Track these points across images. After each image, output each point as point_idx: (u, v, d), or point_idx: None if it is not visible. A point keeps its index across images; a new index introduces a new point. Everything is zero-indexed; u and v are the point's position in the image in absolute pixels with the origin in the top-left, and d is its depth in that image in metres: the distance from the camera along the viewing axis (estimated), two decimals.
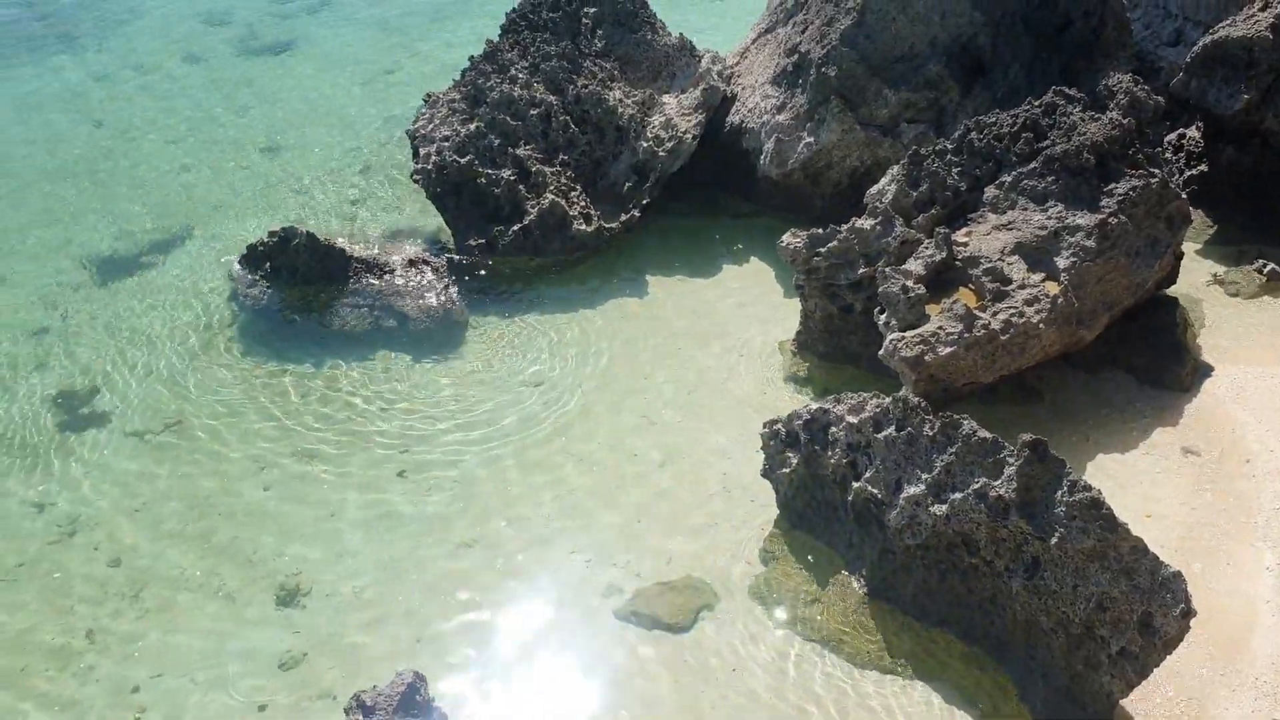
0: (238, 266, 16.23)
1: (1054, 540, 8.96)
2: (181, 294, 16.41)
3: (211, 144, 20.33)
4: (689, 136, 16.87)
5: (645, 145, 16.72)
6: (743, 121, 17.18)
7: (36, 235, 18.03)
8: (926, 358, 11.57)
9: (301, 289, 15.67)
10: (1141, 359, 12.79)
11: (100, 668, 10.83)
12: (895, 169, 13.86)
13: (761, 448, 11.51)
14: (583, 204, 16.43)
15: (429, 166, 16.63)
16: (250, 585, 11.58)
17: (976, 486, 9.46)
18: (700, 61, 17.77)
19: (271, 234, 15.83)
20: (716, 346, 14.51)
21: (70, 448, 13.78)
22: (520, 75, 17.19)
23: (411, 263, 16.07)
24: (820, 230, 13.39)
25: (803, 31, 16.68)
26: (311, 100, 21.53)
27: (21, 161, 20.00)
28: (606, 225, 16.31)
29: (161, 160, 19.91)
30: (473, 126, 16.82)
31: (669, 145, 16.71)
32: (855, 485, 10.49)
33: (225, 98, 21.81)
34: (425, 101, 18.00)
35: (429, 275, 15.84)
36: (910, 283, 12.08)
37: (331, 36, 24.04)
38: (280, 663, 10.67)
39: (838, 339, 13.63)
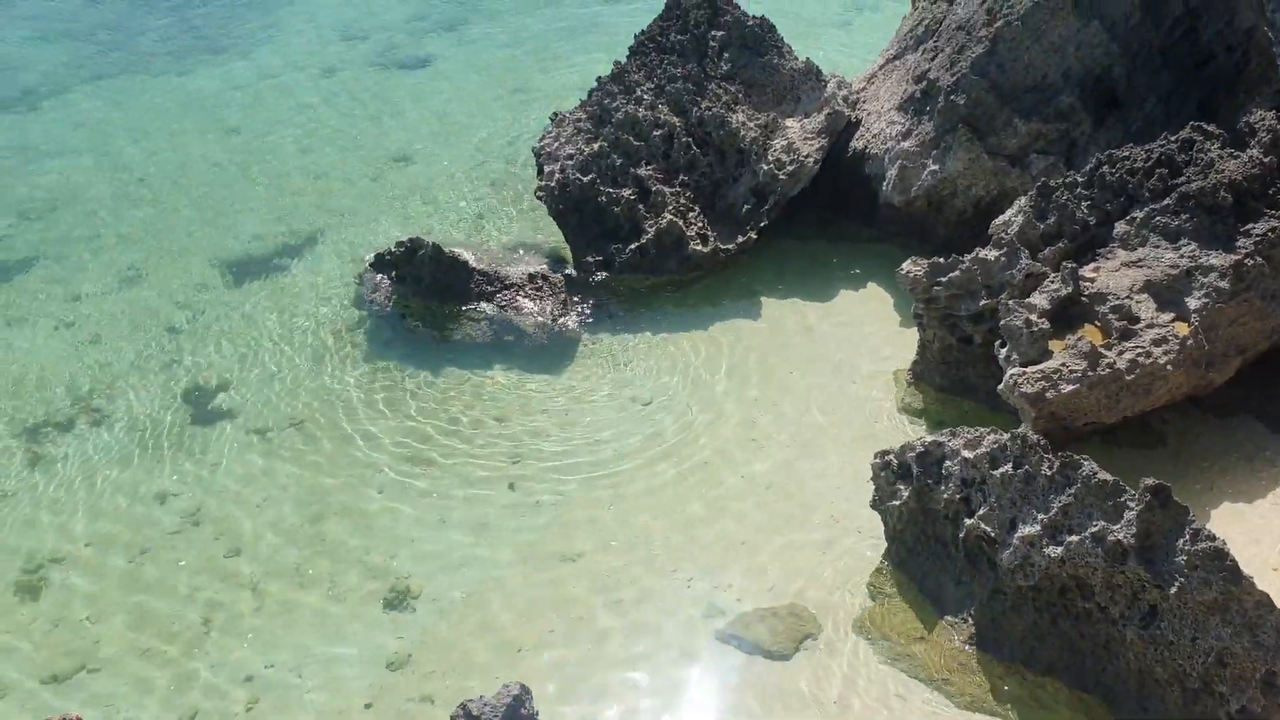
0: (365, 273, 16.71)
1: (1173, 590, 8.64)
2: (308, 298, 16.95)
3: (345, 154, 20.99)
4: (810, 161, 16.80)
5: (766, 168, 16.71)
6: (866, 147, 17.04)
7: (173, 236, 18.83)
8: (1048, 394, 11.29)
9: (424, 298, 16.05)
10: (1274, 405, 12.26)
11: (215, 655, 11.23)
12: (1022, 200, 13.58)
13: (871, 478, 11.36)
14: (700, 224, 16.48)
15: (552, 184, 16.89)
16: (361, 585, 11.88)
17: (1094, 530, 9.19)
18: (826, 86, 17.69)
19: (399, 244, 16.26)
20: (830, 373, 14.38)
21: (197, 442, 14.34)
22: (645, 96, 17.35)
23: (531, 278, 16.32)
24: (942, 259, 13.19)
25: (932, 59, 16.49)
26: (443, 116, 22.08)
27: (162, 165, 20.93)
28: (723, 246, 16.34)
29: (296, 168, 20.63)
30: (596, 146, 17.04)
31: (790, 169, 16.67)
32: (968, 522, 10.28)
33: (360, 110, 22.50)
34: (552, 120, 18.30)
35: (547, 291, 16.07)
36: (1034, 317, 11.81)
37: (465, 55, 24.64)
38: (388, 663, 10.92)
39: (955, 371, 13.39)
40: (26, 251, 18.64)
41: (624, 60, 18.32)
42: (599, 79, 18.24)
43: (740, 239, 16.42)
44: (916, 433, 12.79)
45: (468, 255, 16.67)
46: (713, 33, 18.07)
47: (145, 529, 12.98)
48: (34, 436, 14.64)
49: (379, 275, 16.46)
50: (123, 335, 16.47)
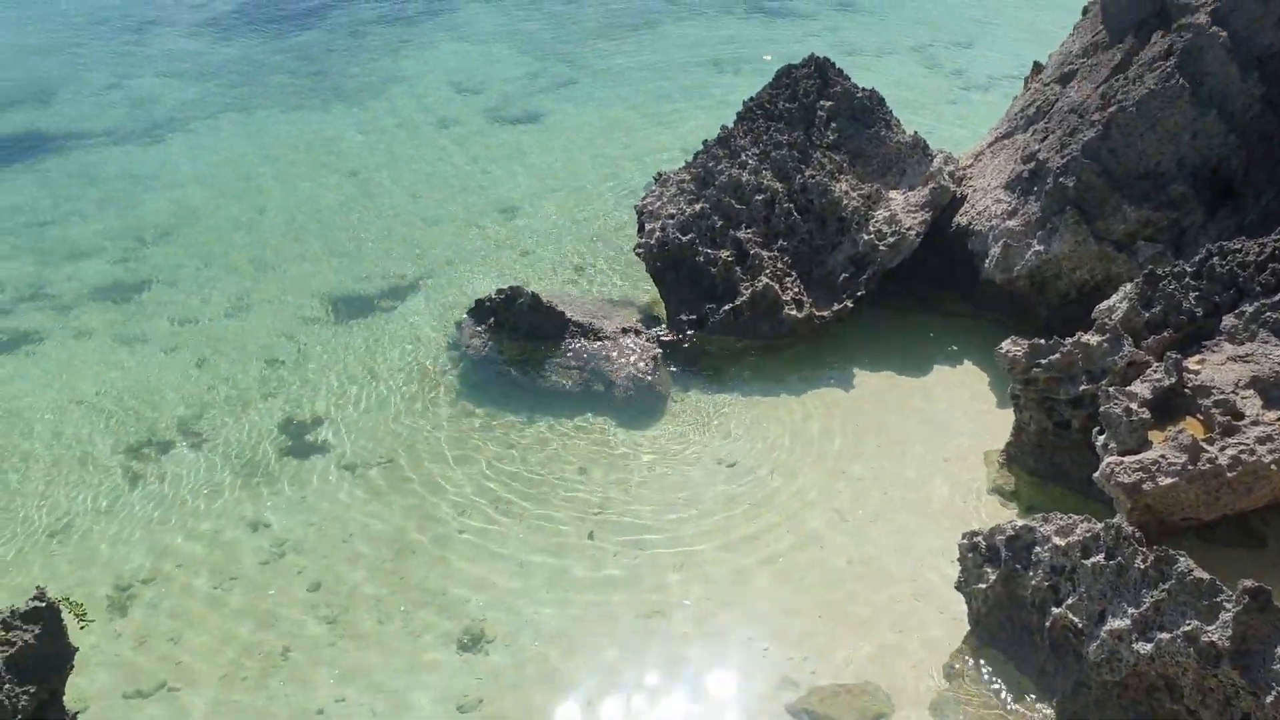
0: (464, 318, 17.04)
1: (1269, 698, 8.29)
2: (408, 339, 17.32)
3: (453, 201, 21.52)
4: (912, 233, 16.75)
5: (866, 238, 16.69)
6: (970, 223, 16.93)
7: (284, 271, 19.44)
8: (1145, 486, 11.00)
9: (520, 345, 16.29)
10: None
11: (290, 684, 11.39)
12: (1128, 286, 13.34)
13: (958, 559, 11.15)
14: (796, 290, 16.49)
15: (652, 241, 17.09)
16: (437, 625, 11.98)
17: (1187, 629, 8.88)
18: (932, 160, 17.67)
19: (499, 291, 16.57)
20: (920, 448, 14.20)
21: (290, 473, 14.67)
22: (750, 161, 17.51)
23: (625, 331, 16.47)
24: (1043, 341, 12.99)
25: (1042, 139, 16.37)
26: (549, 170, 22.55)
27: (279, 200, 21.68)
28: (818, 313, 16.31)
29: (407, 212, 21.19)
30: (698, 207, 17.21)
31: (891, 240, 16.63)
32: (1055, 611, 10.02)
33: (471, 160, 23.08)
34: (655, 180, 18.56)
35: (640, 345, 16.20)
36: (1134, 405, 11.55)
37: (575, 112, 25.18)
38: (459, 705, 10.97)
39: (1050, 455, 13.12)
40: (143, 274, 19.40)
41: (731, 125, 18.54)
42: (705, 142, 18.47)
43: (836, 306, 16.38)
44: (1007, 516, 12.54)
45: (564, 306, 16.90)
46: (821, 102, 18.20)
47: (234, 555, 13.27)
48: (135, 455, 15.12)
49: (477, 321, 16.76)
50: (227, 362, 17.00)
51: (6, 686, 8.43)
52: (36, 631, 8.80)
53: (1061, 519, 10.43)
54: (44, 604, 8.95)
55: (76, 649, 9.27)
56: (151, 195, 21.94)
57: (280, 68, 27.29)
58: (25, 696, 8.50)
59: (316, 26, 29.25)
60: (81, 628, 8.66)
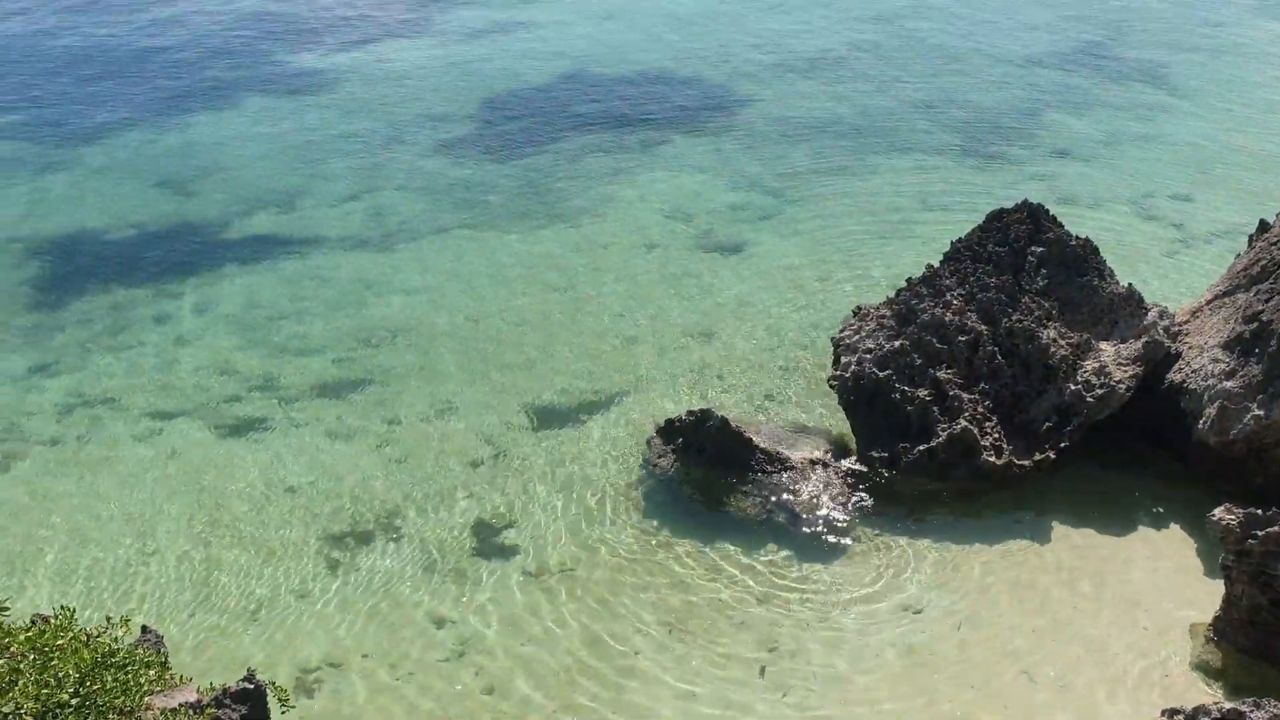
0: (653, 436, 17.32)
1: None
2: (598, 453, 17.70)
3: (653, 323, 22.08)
4: (1122, 387, 16.14)
5: (1073, 388, 16.18)
6: (1184, 381, 16.20)
7: (490, 378, 20.28)
8: None
9: (706, 469, 16.41)
10: None
11: None
12: None
13: None
14: (996, 436, 16.08)
15: (847, 375, 17.05)
16: None
17: None
18: (1146, 314, 17.08)
19: (689, 413, 16.81)
20: (1117, 613, 13.44)
21: (476, 574, 15.11)
22: (955, 301, 17.36)
23: (813, 463, 16.38)
24: (1260, 511, 12.22)
25: (1267, 300, 15.63)
26: (748, 298, 22.90)
27: (492, 311, 22.73)
28: (1017, 461, 15.82)
29: (610, 330, 21.87)
30: (897, 343, 17.11)
31: (1099, 392, 16.07)
32: None
33: (673, 284, 23.70)
34: (854, 313, 18.59)
35: (827, 479, 16.06)
36: None
37: (778, 243, 25.57)
38: None
39: (1263, 634, 12.19)
40: (361, 374, 20.60)
41: (937, 264, 18.46)
42: (909, 279, 18.44)
43: (1037, 456, 15.86)
44: (1212, 696, 11.69)
45: (753, 433, 16.98)
46: (1032, 248, 17.94)
47: (418, 650, 13.69)
48: (337, 544, 15.90)
49: (666, 440, 17.01)
50: (429, 460, 17.76)
51: None
52: (244, 711, 9.30)
53: (1274, 706, 9.65)
54: (252, 685, 9.45)
55: None
56: (378, 300, 23.40)
57: (505, 189, 28.88)
58: None
59: (541, 153, 30.90)
60: (283, 712, 9.05)
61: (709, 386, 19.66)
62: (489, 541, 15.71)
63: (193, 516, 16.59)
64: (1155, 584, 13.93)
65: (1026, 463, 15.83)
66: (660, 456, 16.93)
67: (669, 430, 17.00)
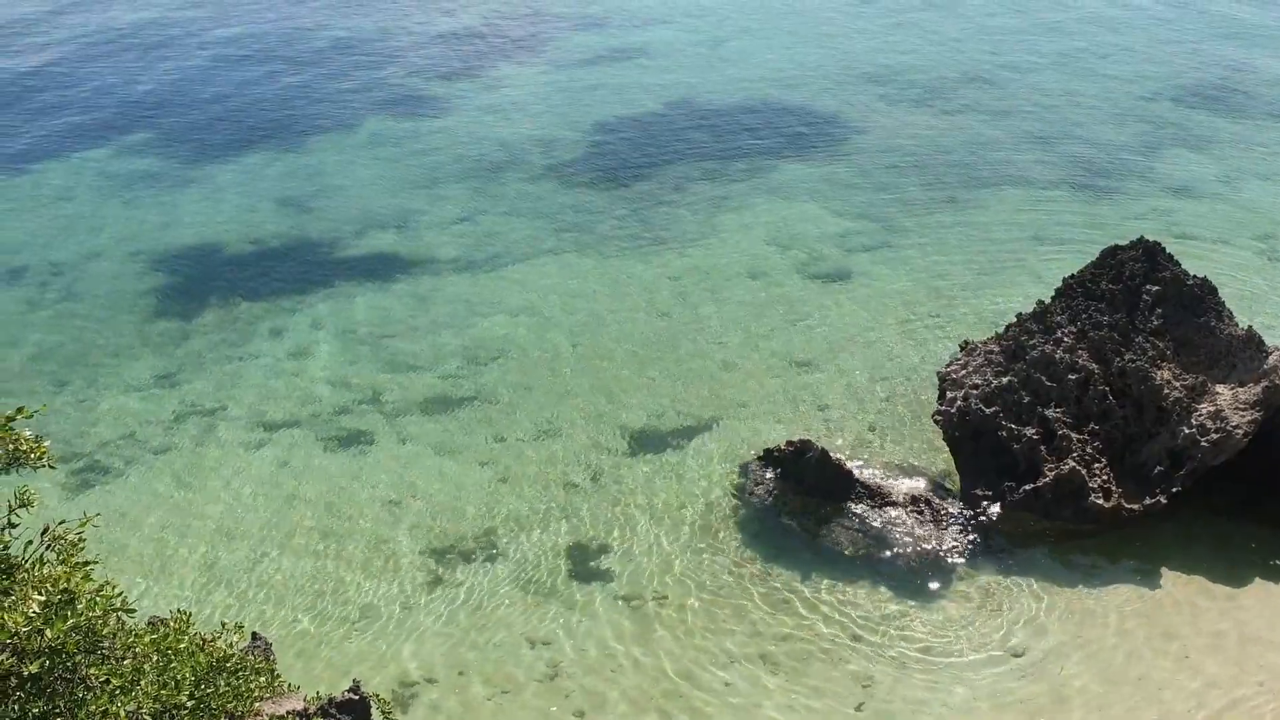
0: (751, 465, 17.29)
1: None
2: (694, 479, 17.73)
3: (756, 351, 22.04)
4: (1239, 432, 15.60)
5: (1187, 432, 15.70)
6: None
7: (590, 401, 20.48)
8: None
9: (804, 500, 16.32)
10: None
11: None
12: None
13: None
14: (1105, 478, 15.68)
15: (952, 410, 16.81)
16: None
17: None
18: (1267, 358, 16.50)
19: (789, 443, 16.75)
20: (1230, 670, 12.97)
21: (571, 596, 15.25)
22: (1066, 339, 17.01)
23: (914, 499, 16.17)
24: None
25: None
26: (852, 328, 22.73)
27: (595, 334, 22.97)
28: (1127, 505, 15.41)
29: (708, 355, 21.89)
30: (1005, 380, 16.83)
31: (1214, 436, 15.56)
32: None
33: (776, 312, 23.65)
34: (961, 348, 18.33)
35: (928, 515, 15.84)
36: None
37: (884, 273, 25.34)
38: None
39: None
40: (467, 392, 20.99)
41: (1048, 300, 18.12)
42: (1018, 315, 18.13)
43: (1148, 500, 15.43)
44: None
45: (853, 465, 16.83)
46: (1148, 286, 17.49)
47: (511, 669, 13.88)
48: (440, 559, 16.21)
49: (764, 469, 16.97)
50: (530, 481, 18.00)
51: None
52: None
53: None
54: (357, 696, 9.72)
55: None
56: (484, 320, 23.84)
57: (610, 214, 29.18)
58: None
59: (649, 178, 31.15)
60: None
61: (809, 415, 19.54)
62: (585, 565, 15.85)
63: (298, 526, 17.09)
64: (1273, 641, 13.39)
65: (1136, 507, 15.40)
66: (758, 485, 16.89)
67: (768, 459, 16.97)
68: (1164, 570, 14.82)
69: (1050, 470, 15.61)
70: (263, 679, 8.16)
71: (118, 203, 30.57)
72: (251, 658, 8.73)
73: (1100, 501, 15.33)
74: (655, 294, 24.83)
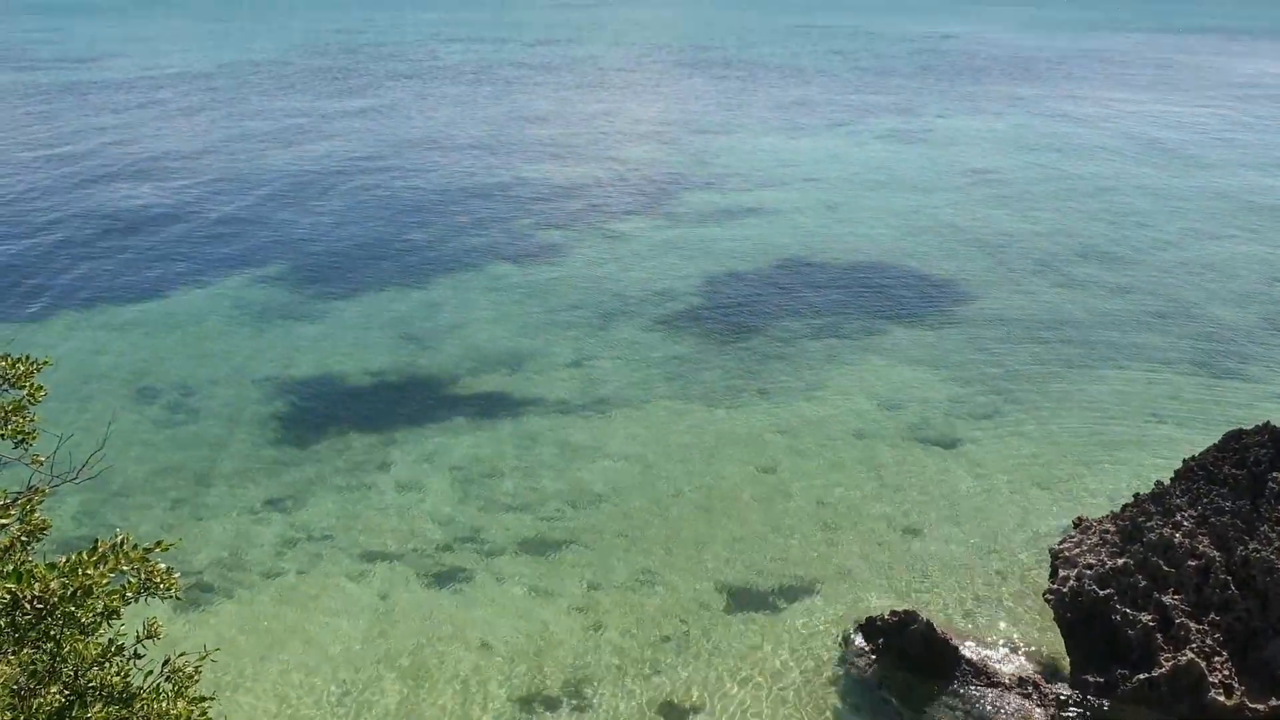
0: (851, 633, 16.84)
1: None
2: (792, 643, 17.30)
3: (859, 511, 21.71)
4: None
5: None
6: None
7: (689, 553, 20.27)
8: None
9: (906, 674, 15.78)
10: None
11: None
12: None
13: None
14: (1226, 673, 14.86)
15: (1064, 590, 16.23)
16: None
17: None
18: None
19: (893, 613, 16.31)
20: None
21: None
22: (1185, 523, 16.42)
23: (1021, 681, 15.52)
24: None
25: None
26: (960, 497, 22.27)
27: (696, 488, 22.91)
28: (1250, 704, 14.53)
29: (809, 515, 21.59)
30: (1120, 561, 16.24)
31: None
32: None
33: (880, 476, 23.34)
34: (1075, 525, 17.80)
35: (1036, 699, 15.15)
36: None
37: (994, 444, 24.90)
38: None
39: None
40: (564, 535, 21.02)
41: (1167, 482, 17.57)
42: (1136, 495, 17.61)
43: (1274, 701, 14.53)
44: None
45: (959, 641, 16.28)
46: (1274, 474, 16.87)
47: None
48: (524, 706, 16.00)
49: (866, 639, 16.50)
50: (624, 632, 17.77)
51: None
52: None
53: None
54: None
55: None
56: (586, 464, 24.01)
57: (717, 366, 29.46)
58: None
59: (757, 334, 31.50)
60: None
61: (914, 585, 19.03)
62: None
63: (391, 662, 17.09)
64: None
65: (1261, 707, 14.52)
66: (858, 656, 16.41)
67: (869, 629, 16.52)
68: None
69: (1167, 660, 14.88)
70: None
71: (248, 332, 31.99)
72: None
73: (1221, 698, 14.51)
74: (757, 448, 24.76)
